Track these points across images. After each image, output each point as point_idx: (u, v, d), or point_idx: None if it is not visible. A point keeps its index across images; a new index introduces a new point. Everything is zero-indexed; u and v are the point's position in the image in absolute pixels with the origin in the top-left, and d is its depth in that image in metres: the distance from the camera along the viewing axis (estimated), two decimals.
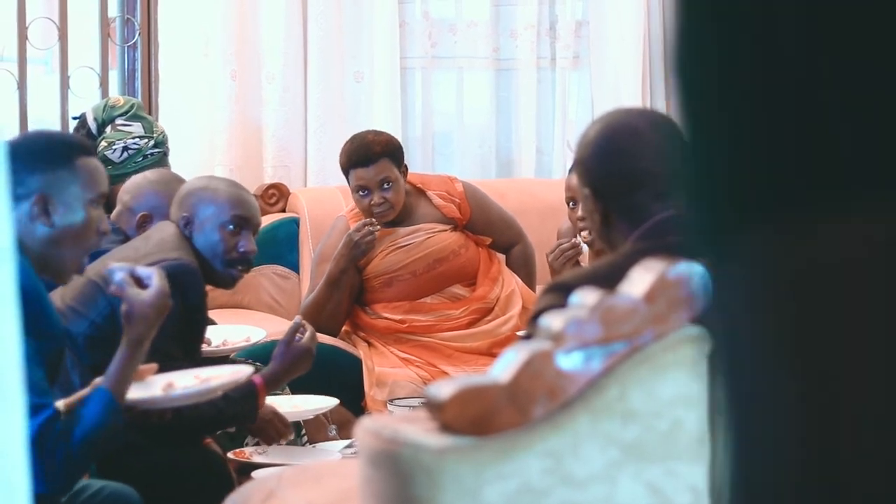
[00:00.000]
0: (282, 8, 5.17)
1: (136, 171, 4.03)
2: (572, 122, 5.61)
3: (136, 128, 4.16)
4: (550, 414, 1.78)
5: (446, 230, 4.52)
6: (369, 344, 4.45)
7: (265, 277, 4.95)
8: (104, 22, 5.12)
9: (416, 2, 5.48)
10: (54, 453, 2.55)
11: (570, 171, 3.98)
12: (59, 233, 2.70)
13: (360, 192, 4.42)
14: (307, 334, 3.38)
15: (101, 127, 4.19)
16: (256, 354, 3.92)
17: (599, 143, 2.42)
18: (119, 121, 4.16)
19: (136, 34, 5.18)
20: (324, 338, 4.08)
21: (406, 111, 5.49)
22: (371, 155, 4.39)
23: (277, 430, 3.27)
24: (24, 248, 2.63)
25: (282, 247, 4.99)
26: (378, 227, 4.37)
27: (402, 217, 4.51)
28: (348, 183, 4.48)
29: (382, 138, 4.47)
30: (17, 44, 4.96)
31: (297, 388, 3.91)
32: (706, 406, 1.26)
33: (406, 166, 4.52)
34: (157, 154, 4.16)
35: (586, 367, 1.81)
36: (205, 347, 3.67)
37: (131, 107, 4.25)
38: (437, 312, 4.46)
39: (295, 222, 5.02)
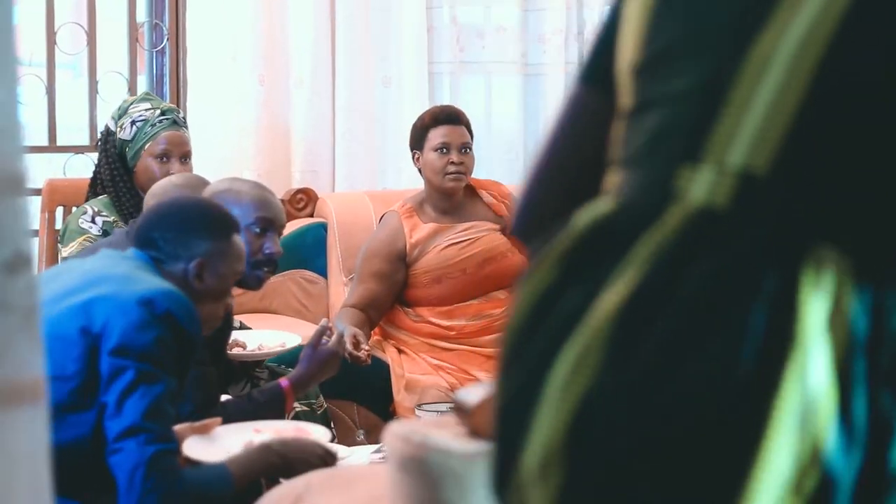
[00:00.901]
0: (310, 12, 5.17)
1: (150, 140, 4.09)
2: None
3: (143, 105, 4.20)
4: None
5: (497, 230, 4.53)
6: (399, 350, 4.44)
7: (293, 282, 4.94)
8: (132, 27, 5.14)
9: (445, 7, 5.47)
10: (160, 484, 2.55)
11: None
12: (201, 297, 2.81)
13: (441, 150, 4.44)
14: (334, 337, 3.37)
15: (118, 122, 4.23)
16: (285, 358, 3.91)
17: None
18: (131, 108, 4.21)
19: (164, 39, 5.20)
20: None
21: None
22: (459, 116, 4.51)
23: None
24: None
25: (310, 252, 4.98)
26: (368, 362, 4.14)
27: (458, 213, 4.52)
28: (419, 148, 4.48)
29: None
30: (46, 48, 4.98)
31: (326, 391, 3.90)
32: None
33: None
34: (165, 121, 4.17)
35: None
36: (240, 351, 3.67)
37: (140, 94, 4.30)
38: (482, 314, 4.43)
39: (323, 227, 5.01)
